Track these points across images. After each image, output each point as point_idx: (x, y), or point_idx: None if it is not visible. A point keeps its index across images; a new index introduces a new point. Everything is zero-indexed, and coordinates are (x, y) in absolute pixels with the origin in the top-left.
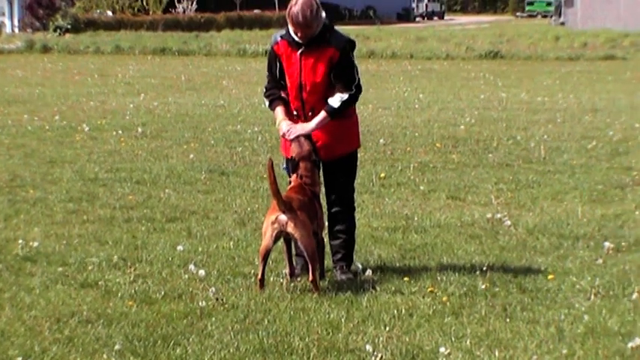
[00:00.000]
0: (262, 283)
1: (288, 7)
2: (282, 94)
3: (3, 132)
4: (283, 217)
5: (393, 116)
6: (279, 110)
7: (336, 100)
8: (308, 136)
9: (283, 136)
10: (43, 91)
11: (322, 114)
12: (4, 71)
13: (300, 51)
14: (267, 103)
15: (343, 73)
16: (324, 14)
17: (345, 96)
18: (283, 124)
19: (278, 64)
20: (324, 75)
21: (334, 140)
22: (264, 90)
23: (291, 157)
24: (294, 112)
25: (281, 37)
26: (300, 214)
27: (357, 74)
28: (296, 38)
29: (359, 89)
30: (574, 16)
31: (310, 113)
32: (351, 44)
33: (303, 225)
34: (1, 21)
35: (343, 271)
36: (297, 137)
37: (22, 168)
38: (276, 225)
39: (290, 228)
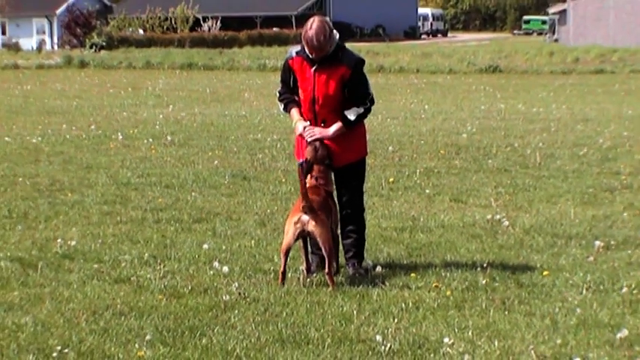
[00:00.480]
0: (284, 277)
1: (304, 30)
2: (296, 98)
3: (43, 140)
4: (305, 217)
5: (401, 125)
6: (295, 111)
7: (352, 113)
8: (322, 141)
9: (300, 135)
10: (80, 103)
11: (339, 124)
12: (45, 85)
13: (314, 68)
14: (281, 107)
15: (357, 89)
16: (337, 35)
17: (361, 110)
18: (299, 125)
19: (292, 77)
20: (336, 90)
21: (344, 149)
22: (278, 94)
23: (306, 159)
24: (307, 122)
25: (297, 52)
26: (320, 214)
27: (370, 89)
28: (311, 56)
29: (372, 102)
30: (567, 33)
31: (322, 124)
32: (361, 62)
33: (323, 224)
34: (42, 39)
35: (355, 267)
36: (314, 141)
37: (61, 173)
38: (298, 225)
39: (311, 227)
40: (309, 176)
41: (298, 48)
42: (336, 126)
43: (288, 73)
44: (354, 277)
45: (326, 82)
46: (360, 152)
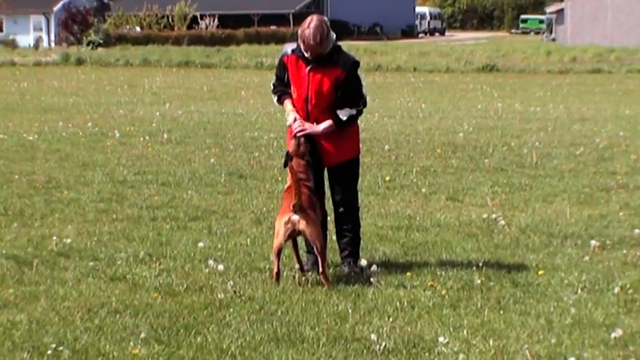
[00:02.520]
0: (278, 276)
1: (301, 28)
2: (289, 91)
3: (40, 138)
4: (295, 217)
5: (398, 124)
6: (288, 102)
7: (344, 114)
8: (308, 137)
9: (290, 126)
10: (77, 101)
11: (330, 122)
12: (42, 82)
13: (309, 67)
14: (275, 98)
15: (351, 91)
16: (334, 36)
17: (354, 111)
18: (291, 115)
19: (286, 75)
20: (329, 91)
21: (337, 148)
22: (273, 87)
23: (287, 151)
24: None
25: (292, 50)
26: (310, 212)
27: (364, 91)
28: (306, 55)
29: (365, 105)
30: (564, 33)
31: (315, 123)
32: (356, 65)
33: (314, 223)
34: (39, 36)
35: (350, 266)
36: (302, 136)
37: (57, 171)
38: (289, 225)
39: (302, 226)
40: (288, 173)
41: (294, 45)
42: (326, 123)
43: (282, 70)
44: (350, 275)
45: (320, 82)
46: (353, 151)
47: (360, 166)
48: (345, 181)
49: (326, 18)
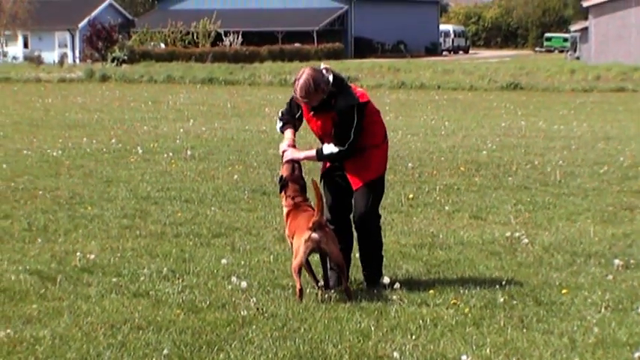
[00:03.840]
0: (301, 294)
1: (295, 78)
2: (295, 121)
3: (64, 154)
4: (316, 235)
5: (421, 142)
6: (288, 132)
7: (328, 149)
8: (299, 162)
9: (283, 152)
10: (101, 117)
11: (313, 152)
12: (66, 98)
13: (312, 112)
14: (279, 125)
15: (340, 130)
16: (330, 83)
17: (336, 150)
18: (282, 144)
19: (299, 111)
20: (334, 130)
21: (360, 168)
22: (281, 114)
23: (281, 176)
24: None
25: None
26: (328, 230)
27: (352, 133)
28: None
29: (351, 147)
30: (588, 51)
31: None
32: (350, 108)
33: (334, 240)
34: (64, 52)
35: (373, 283)
36: (290, 160)
37: (81, 187)
38: (309, 243)
39: (323, 244)
40: (284, 197)
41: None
42: (308, 152)
43: (296, 105)
44: (372, 293)
45: (323, 125)
46: (377, 171)
47: (383, 186)
48: (368, 201)
49: (322, 69)
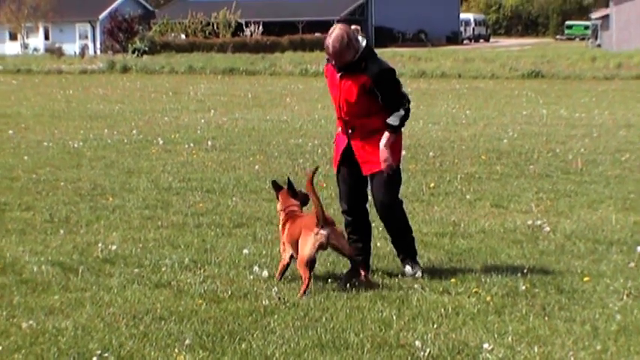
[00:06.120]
0: (307, 288)
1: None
2: None
3: (86, 145)
4: (324, 232)
5: (442, 131)
6: None
7: (393, 119)
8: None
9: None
10: (122, 108)
11: (386, 134)
12: (88, 90)
13: (339, 75)
14: None
15: (388, 95)
16: (363, 44)
17: (402, 112)
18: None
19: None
20: (357, 98)
21: (374, 157)
22: None
23: (273, 180)
24: (339, 128)
25: (328, 60)
26: (334, 227)
27: (402, 90)
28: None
29: (409, 101)
30: (609, 38)
31: (350, 131)
32: (384, 72)
33: (342, 234)
34: (85, 44)
35: (411, 266)
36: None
37: (102, 178)
38: (319, 236)
39: (332, 239)
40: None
41: None
42: (384, 139)
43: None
44: (412, 276)
45: (349, 90)
46: (394, 158)
47: (400, 172)
48: (386, 190)
49: (354, 28)
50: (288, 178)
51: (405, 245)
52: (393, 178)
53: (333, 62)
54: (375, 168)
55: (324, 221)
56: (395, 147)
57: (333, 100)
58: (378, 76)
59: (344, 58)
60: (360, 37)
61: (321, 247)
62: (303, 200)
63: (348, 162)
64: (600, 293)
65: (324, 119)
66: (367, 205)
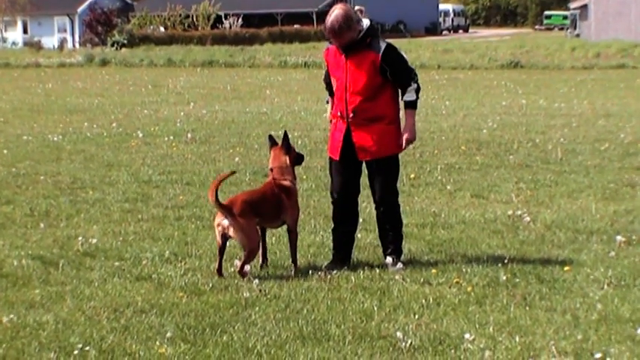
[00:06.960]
0: (220, 272)
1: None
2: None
3: (65, 139)
4: (225, 222)
5: (422, 122)
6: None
7: (410, 94)
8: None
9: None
10: (101, 101)
11: (408, 111)
12: (66, 83)
13: (345, 55)
14: (328, 94)
15: (399, 70)
16: (365, 22)
17: (415, 85)
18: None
19: (326, 68)
20: (366, 75)
21: (374, 143)
22: (325, 84)
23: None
24: (338, 113)
25: (330, 42)
26: (240, 219)
27: (409, 64)
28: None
29: (416, 75)
30: (588, 28)
31: (352, 114)
32: (391, 47)
33: (242, 228)
34: (64, 37)
35: (394, 262)
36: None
37: (82, 171)
38: (219, 228)
39: (231, 232)
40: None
41: None
42: (409, 118)
43: (325, 64)
44: (396, 272)
45: (357, 69)
46: (391, 148)
47: (399, 165)
48: (383, 178)
49: (355, 8)
50: (285, 132)
51: (392, 238)
52: (392, 168)
53: (334, 43)
54: (375, 155)
55: (227, 212)
56: (392, 135)
57: (337, 82)
58: (386, 51)
59: (344, 38)
60: (362, 18)
61: (223, 238)
62: (297, 159)
63: (344, 152)
64: (581, 282)
65: (304, 111)
66: (359, 198)
